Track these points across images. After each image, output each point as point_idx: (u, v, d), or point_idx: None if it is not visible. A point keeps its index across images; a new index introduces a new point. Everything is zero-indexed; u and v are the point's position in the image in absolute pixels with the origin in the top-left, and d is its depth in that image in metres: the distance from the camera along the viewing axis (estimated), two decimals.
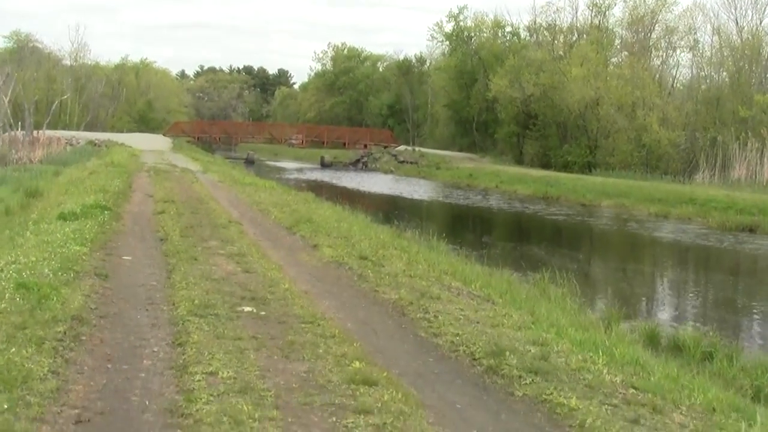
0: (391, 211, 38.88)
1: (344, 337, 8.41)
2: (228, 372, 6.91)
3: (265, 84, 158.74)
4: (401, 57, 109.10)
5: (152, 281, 10.95)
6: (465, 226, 37.54)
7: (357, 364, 7.31)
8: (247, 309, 9.28)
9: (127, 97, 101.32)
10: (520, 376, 7.48)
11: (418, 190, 54.08)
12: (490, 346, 8.25)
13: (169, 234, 15.06)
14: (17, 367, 6.46)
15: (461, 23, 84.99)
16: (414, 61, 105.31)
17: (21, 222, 16.93)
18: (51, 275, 10.05)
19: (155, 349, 7.74)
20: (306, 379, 6.96)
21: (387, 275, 12.30)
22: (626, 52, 70.22)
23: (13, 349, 6.88)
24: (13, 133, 56.79)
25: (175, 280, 10.74)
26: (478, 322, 9.63)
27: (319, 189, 42.67)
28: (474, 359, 8.05)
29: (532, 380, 7.38)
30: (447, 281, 12.80)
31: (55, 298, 8.81)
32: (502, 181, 55.82)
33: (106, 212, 17.22)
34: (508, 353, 8.01)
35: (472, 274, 14.53)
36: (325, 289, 11.30)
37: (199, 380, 6.71)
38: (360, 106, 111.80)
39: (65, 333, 7.69)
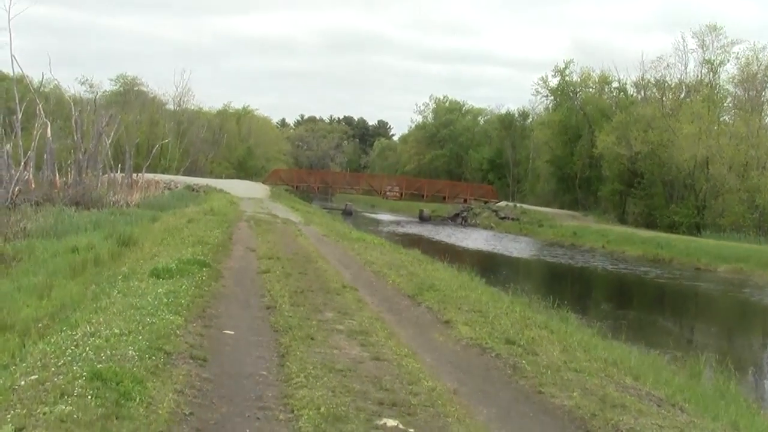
0: (497, 270, 36.58)
1: None
2: None
3: (364, 135, 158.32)
4: (503, 111, 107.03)
5: (262, 370, 8.69)
6: (579, 290, 34.79)
7: None
8: (391, 423, 6.95)
9: (227, 143, 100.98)
10: None
11: (520, 248, 51.87)
12: None
13: (277, 300, 12.86)
14: None
15: (567, 78, 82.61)
16: (516, 115, 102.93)
17: (110, 276, 14.95)
18: (136, 358, 7.89)
19: None
20: None
21: (546, 368, 9.85)
22: (737, 110, 66.82)
23: None
24: (112, 174, 56.12)
25: (291, 371, 8.46)
26: None
27: (421, 244, 40.22)
28: None
29: None
30: (617, 377, 10.27)
31: (138, 398, 6.64)
32: (609, 241, 53.33)
33: (204, 269, 15.15)
34: None
35: (637, 364, 11.96)
36: (476, 388, 8.91)
37: None
38: (460, 159, 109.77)
39: None
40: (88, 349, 8.13)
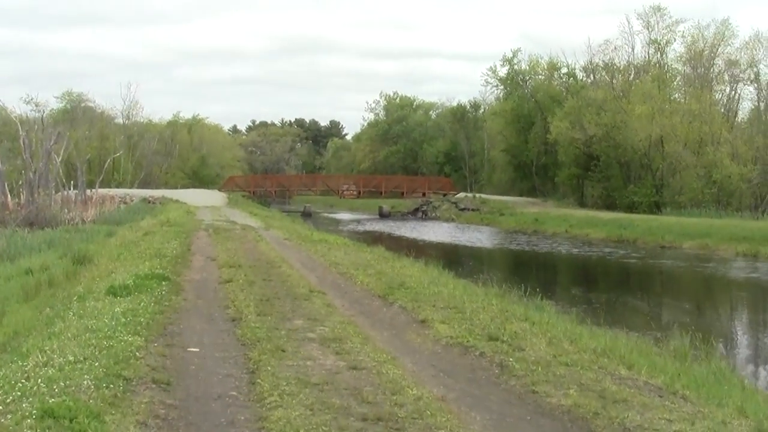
0: (463, 262, 36.14)
1: None
2: None
3: (317, 136, 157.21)
4: (454, 103, 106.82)
5: (231, 389, 8.01)
6: (548, 276, 34.40)
7: None
8: None
9: (180, 153, 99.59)
10: None
11: (484, 238, 51.59)
12: None
13: (243, 311, 12.16)
14: None
15: (515, 66, 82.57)
16: (468, 107, 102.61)
17: (65, 297, 14.17)
18: (93, 388, 7.20)
19: None
20: None
21: (536, 364, 9.27)
22: (688, 87, 66.97)
23: None
24: (65, 192, 54.95)
25: (263, 389, 7.79)
26: None
27: (383, 241, 39.75)
28: None
29: None
30: (610, 368, 9.70)
31: None
32: (572, 225, 53.03)
33: (163, 283, 14.42)
34: None
35: (627, 351, 11.38)
36: (465, 392, 8.30)
37: None
38: (415, 154, 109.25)
39: None
40: (39, 381, 7.43)
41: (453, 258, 36.71)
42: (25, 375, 7.80)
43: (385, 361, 9.28)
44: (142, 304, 11.99)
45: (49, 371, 7.86)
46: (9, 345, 10.77)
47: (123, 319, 10.62)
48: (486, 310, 13.21)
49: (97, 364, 8.09)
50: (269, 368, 8.60)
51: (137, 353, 8.86)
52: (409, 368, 9.20)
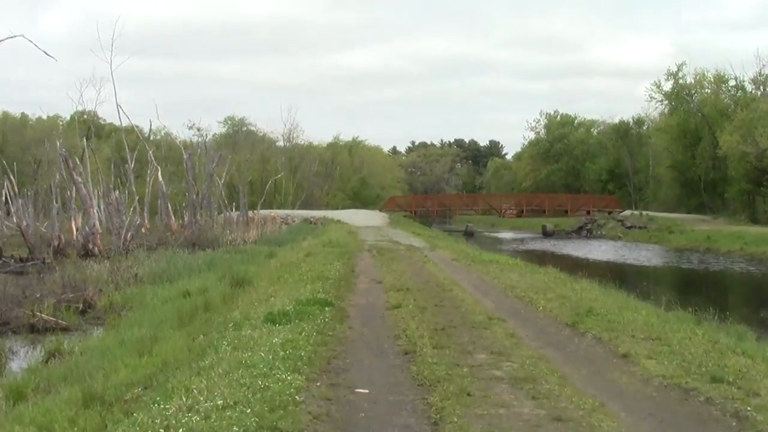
0: (636, 282, 33.65)
1: None
2: None
3: (476, 156, 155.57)
4: (616, 120, 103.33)
5: None
6: (731, 297, 31.58)
7: None
8: None
9: (340, 175, 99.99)
10: None
11: (654, 256, 48.95)
12: None
13: (416, 342, 10.64)
14: None
15: (680, 81, 78.95)
16: (631, 123, 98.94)
17: (220, 323, 13.01)
18: None
19: None
20: None
21: None
22: None
23: None
24: (227, 213, 55.24)
25: None
26: None
27: (549, 260, 37.64)
28: None
29: None
30: None
31: None
32: (747, 243, 49.86)
33: (326, 309, 13.10)
34: None
35: None
36: None
37: None
38: (577, 172, 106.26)
39: None
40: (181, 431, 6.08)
41: (624, 278, 34.30)
42: (165, 423, 6.52)
43: (593, 409, 7.57)
44: (303, 333, 10.67)
45: (193, 419, 6.58)
46: (155, 379, 9.59)
47: (282, 353, 9.30)
48: (692, 341, 11.28)
49: (249, 411, 6.73)
50: (455, 419, 7.02)
51: (297, 397, 7.45)
52: (624, 419, 7.45)
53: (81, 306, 19.62)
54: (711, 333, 12.81)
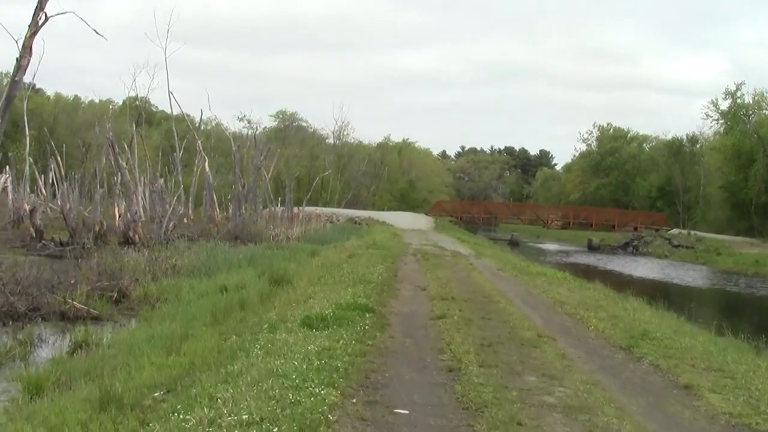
0: (684, 303, 32.48)
1: None
2: None
3: (525, 165, 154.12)
4: (669, 137, 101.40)
5: None
6: None
7: None
8: None
9: (388, 176, 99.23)
10: None
11: (700, 277, 47.89)
12: None
13: (461, 358, 9.92)
14: None
15: (738, 100, 77.21)
16: (685, 140, 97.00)
17: (254, 325, 12.37)
18: None
19: None
20: None
21: None
22: None
23: None
24: (272, 208, 54.79)
25: None
26: None
27: (593, 275, 36.52)
28: None
29: None
30: None
31: None
32: None
33: (367, 315, 12.44)
34: None
35: None
36: None
37: None
38: (626, 187, 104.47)
39: None
40: None
41: (670, 298, 33.24)
42: None
43: None
44: (341, 342, 10.01)
45: None
46: (180, 381, 8.93)
47: (317, 362, 8.64)
48: (757, 375, 10.46)
49: (275, 430, 6.05)
50: None
51: (330, 416, 6.78)
52: None
53: (115, 295, 19.06)
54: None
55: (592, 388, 8.99)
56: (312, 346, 9.50)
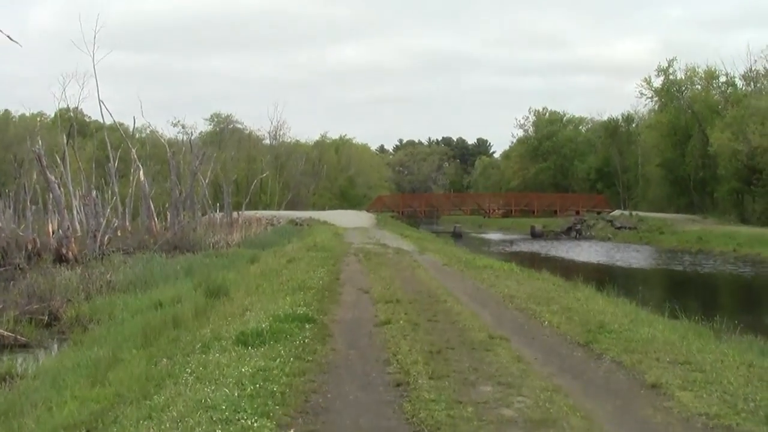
0: (633, 286, 32.12)
1: None
2: None
3: (464, 154, 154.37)
4: (605, 118, 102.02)
5: None
6: (733, 302, 30.22)
7: None
8: None
9: (327, 174, 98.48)
10: None
11: (645, 258, 48.05)
12: None
13: (409, 370, 9.17)
14: None
15: (671, 77, 78.16)
16: (621, 120, 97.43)
17: (187, 343, 11.53)
18: None
19: None
20: None
21: None
22: None
23: None
24: (211, 214, 53.66)
25: None
26: None
27: (539, 263, 36.16)
28: None
29: None
30: None
31: None
32: (740, 244, 49.36)
33: (306, 326, 11.65)
34: None
35: None
36: None
37: None
38: (565, 171, 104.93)
39: None
40: None
41: (619, 282, 32.93)
42: None
43: None
44: (278, 360, 9.23)
45: None
46: (102, 418, 8.09)
47: (250, 387, 7.86)
48: (725, 365, 9.87)
49: None
50: None
51: None
52: None
53: (46, 318, 18.04)
54: (740, 353, 11.40)
55: (553, 395, 8.28)
56: (246, 368, 8.70)
